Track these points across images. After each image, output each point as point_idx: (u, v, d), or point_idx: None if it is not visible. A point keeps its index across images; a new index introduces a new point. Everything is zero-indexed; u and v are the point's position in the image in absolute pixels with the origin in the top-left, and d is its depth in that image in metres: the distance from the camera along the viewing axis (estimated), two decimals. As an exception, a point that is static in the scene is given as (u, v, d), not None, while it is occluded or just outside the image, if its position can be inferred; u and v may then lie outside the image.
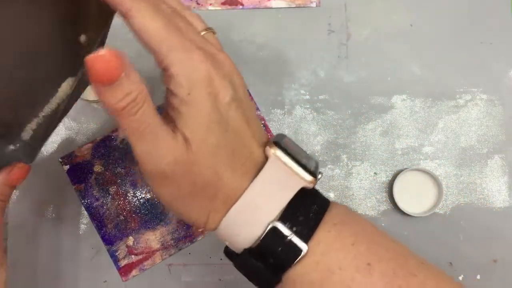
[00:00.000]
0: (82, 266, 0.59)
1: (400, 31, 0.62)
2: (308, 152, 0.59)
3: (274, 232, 0.34)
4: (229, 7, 0.61)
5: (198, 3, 0.61)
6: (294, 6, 0.61)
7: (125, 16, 0.31)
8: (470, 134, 0.61)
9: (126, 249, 0.59)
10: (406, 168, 0.59)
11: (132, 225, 0.59)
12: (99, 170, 0.59)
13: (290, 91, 0.61)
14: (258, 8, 0.61)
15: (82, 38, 0.39)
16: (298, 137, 0.60)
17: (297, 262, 0.34)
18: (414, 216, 0.59)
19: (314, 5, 0.61)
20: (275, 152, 0.34)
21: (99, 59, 0.27)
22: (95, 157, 0.59)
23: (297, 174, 0.34)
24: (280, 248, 0.34)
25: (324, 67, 0.61)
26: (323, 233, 0.34)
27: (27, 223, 0.59)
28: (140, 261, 0.59)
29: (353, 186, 0.60)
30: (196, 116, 0.32)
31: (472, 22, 0.62)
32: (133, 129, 0.31)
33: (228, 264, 0.58)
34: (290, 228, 0.34)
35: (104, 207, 0.59)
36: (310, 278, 0.34)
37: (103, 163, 0.59)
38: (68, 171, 0.59)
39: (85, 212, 0.59)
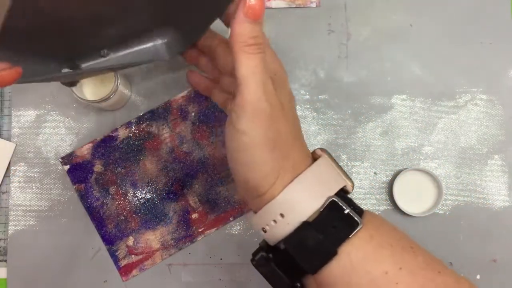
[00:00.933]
0: (82, 266, 0.59)
1: (400, 31, 0.62)
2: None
3: (333, 205, 0.38)
4: (229, 7, 0.61)
5: (198, 3, 0.61)
6: (294, 6, 0.61)
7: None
8: (470, 134, 0.61)
9: (126, 249, 0.59)
10: (406, 168, 0.59)
11: (132, 225, 0.59)
12: (99, 170, 0.59)
13: (290, 91, 0.61)
14: (258, 8, 0.61)
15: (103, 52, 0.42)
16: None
17: (353, 234, 0.38)
18: (414, 216, 0.59)
19: (314, 5, 0.61)
20: (325, 155, 0.41)
21: None
22: (95, 157, 0.59)
23: (341, 175, 0.40)
24: (339, 220, 0.38)
25: (324, 67, 0.61)
26: (370, 216, 0.40)
27: (27, 223, 0.59)
28: (140, 261, 0.59)
29: (353, 186, 0.60)
30: (286, 94, 0.41)
31: (472, 22, 0.62)
32: (250, 65, 0.37)
33: (228, 264, 0.59)
34: (345, 205, 0.38)
35: (104, 207, 0.59)
36: (365, 251, 0.38)
37: (103, 163, 0.59)
38: (69, 171, 0.59)
39: (85, 212, 0.59)
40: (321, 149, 0.42)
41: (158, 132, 0.60)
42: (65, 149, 0.60)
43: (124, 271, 0.59)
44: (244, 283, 0.59)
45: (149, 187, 0.59)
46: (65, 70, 0.41)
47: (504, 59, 0.62)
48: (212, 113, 0.60)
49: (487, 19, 0.62)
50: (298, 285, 0.40)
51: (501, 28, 0.62)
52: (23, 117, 0.60)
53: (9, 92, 0.60)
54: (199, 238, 0.59)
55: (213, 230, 0.59)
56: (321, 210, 0.38)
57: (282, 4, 0.61)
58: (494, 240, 0.60)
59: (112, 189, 0.59)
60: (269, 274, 0.40)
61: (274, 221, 0.38)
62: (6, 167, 0.60)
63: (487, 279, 0.59)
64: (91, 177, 0.59)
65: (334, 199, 0.38)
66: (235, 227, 0.59)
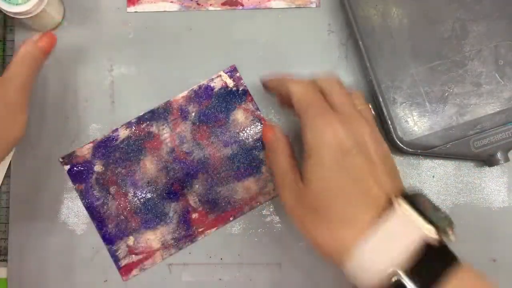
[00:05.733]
0: (82, 266, 0.59)
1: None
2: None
3: (398, 284, 0.36)
4: (229, 7, 0.61)
5: (198, 4, 0.61)
6: (294, 6, 0.61)
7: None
8: (469, 134, 0.61)
9: (127, 248, 0.59)
10: (405, 168, 0.59)
11: (133, 224, 0.59)
12: (100, 170, 0.59)
13: (290, 91, 0.61)
14: (258, 8, 0.61)
15: None
16: (298, 137, 0.60)
17: None
18: (413, 216, 0.59)
19: (314, 5, 0.61)
20: (400, 204, 0.38)
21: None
22: (95, 157, 0.60)
23: (419, 228, 0.37)
24: None
25: (324, 67, 0.61)
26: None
27: (27, 223, 0.59)
28: (141, 261, 0.59)
29: (353, 186, 0.60)
30: (313, 164, 0.41)
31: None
32: (271, 164, 0.48)
33: (228, 264, 0.59)
34: (413, 281, 0.35)
35: (105, 206, 0.59)
36: None
37: (104, 163, 0.59)
38: (69, 171, 0.59)
39: (85, 212, 0.59)
40: (399, 197, 0.39)
41: (158, 132, 0.60)
42: (66, 149, 0.60)
43: (125, 270, 0.59)
44: (244, 283, 0.59)
45: (149, 187, 0.59)
46: None
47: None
48: (212, 113, 0.60)
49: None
50: None
51: None
52: (23, 117, 0.60)
53: (10, 92, 0.60)
54: (199, 238, 0.59)
55: (213, 229, 0.59)
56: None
57: (282, 4, 0.61)
58: (493, 240, 0.60)
59: (113, 189, 0.59)
60: None
61: None
62: (6, 167, 0.60)
63: (486, 279, 0.59)
64: (91, 177, 0.59)
65: (399, 278, 0.36)
66: (235, 227, 0.59)
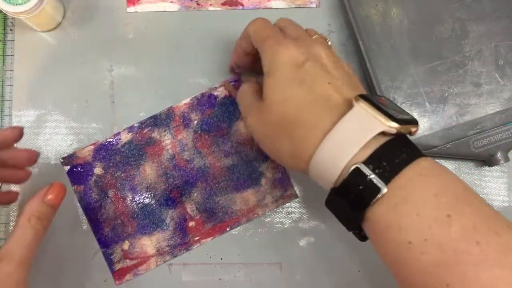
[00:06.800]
0: (82, 266, 0.59)
1: (400, 31, 0.62)
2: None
3: (357, 172, 0.37)
4: (229, 7, 0.61)
5: (198, 4, 0.61)
6: (294, 6, 0.61)
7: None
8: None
9: (122, 253, 0.59)
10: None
11: (129, 229, 0.59)
12: (99, 173, 0.60)
13: (289, 91, 0.61)
14: (258, 8, 0.61)
15: None
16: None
17: (376, 201, 0.37)
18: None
19: (314, 5, 0.61)
20: (358, 101, 0.39)
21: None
22: (96, 160, 0.60)
23: (376, 119, 0.38)
24: (360, 187, 0.37)
25: (323, 68, 0.61)
26: (405, 180, 0.37)
27: (29, 223, 0.60)
28: (135, 266, 0.59)
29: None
30: (270, 82, 0.44)
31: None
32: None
33: (228, 264, 0.59)
34: (372, 170, 0.37)
35: (102, 210, 0.59)
36: (389, 219, 0.37)
37: (104, 166, 0.60)
38: (68, 172, 0.60)
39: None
40: (357, 97, 0.40)
41: (159, 138, 0.60)
42: (66, 149, 0.60)
43: (118, 275, 0.59)
44: (244, 283, 0.60)
45: (147, 193, 0.59)
46: None
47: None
48: (214, 122, 0.60)
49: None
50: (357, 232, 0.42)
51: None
52: (23, 117, 0.60)
53: (10, 92, 0.61)
54: (195, 246, 0.59)
55: (209, 239, 0.59)
56: (345, 177, 0.38)
57: (282, 5, 0.61)
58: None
59: (111, 192, 0.59)
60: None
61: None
62: (7, 168, 0.60)
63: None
64: (90, 179, 0.59)
65: (358, 165, 0.37)
66: (235, 227, 0.60)
